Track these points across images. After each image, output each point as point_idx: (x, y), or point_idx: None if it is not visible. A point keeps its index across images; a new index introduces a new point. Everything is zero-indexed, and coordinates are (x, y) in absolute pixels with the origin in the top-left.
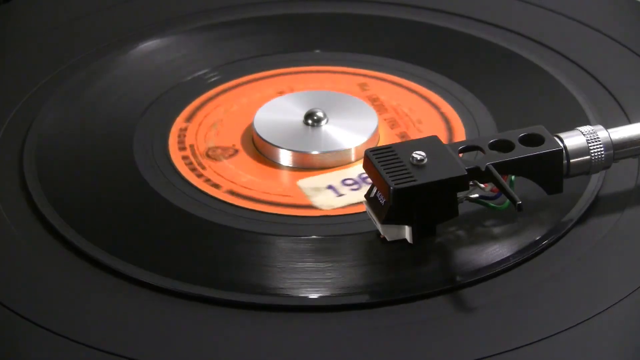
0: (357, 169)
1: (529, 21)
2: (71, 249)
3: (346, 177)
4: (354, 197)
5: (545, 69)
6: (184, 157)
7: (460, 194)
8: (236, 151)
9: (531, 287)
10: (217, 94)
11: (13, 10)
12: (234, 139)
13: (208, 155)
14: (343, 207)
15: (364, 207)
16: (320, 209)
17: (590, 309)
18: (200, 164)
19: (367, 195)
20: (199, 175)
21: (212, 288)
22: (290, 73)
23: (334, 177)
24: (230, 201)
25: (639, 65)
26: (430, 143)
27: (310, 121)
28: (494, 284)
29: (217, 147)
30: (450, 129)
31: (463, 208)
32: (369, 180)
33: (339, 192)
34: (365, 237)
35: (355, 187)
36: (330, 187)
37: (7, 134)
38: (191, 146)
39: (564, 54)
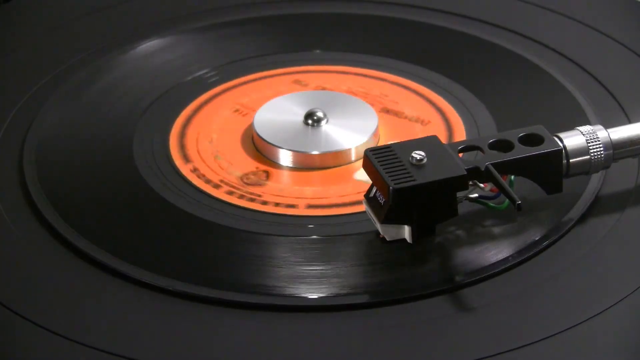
0: None
1: (529, 21)
2: (71, 249)
3: None
4: None
5: (545, 69)
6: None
7: (459, 194)
8: (265, 172)
9: (531, 287)
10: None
11: (13, 10)
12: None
13: (246, 183)
14: None
15: (363, 207)
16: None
17: (590, 309)
18: (248, 192)
19: (366, 195)
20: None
21: (212, 288)
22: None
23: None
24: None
25: (639, 65)
26: (429, 143)
27: (310, 121)
28: (494, 284)
29: (246, 174)
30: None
31: (463, 208)
32: None
33: None
34: (365, 237)
35: None
36: None
37: (7, 134)
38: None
39: (564, 54)
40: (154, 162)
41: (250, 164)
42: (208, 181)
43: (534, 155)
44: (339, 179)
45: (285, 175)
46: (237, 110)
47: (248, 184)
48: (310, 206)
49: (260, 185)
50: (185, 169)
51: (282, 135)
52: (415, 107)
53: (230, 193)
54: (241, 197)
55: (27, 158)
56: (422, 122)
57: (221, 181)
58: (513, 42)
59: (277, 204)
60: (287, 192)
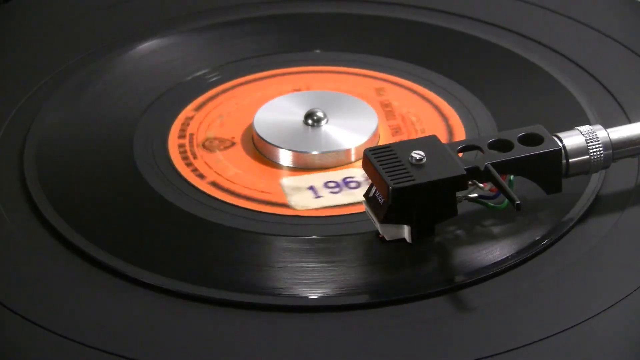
0: (340, 173)
1: (529, 21)
2: (71, 249)
3: (329, 180)
4: (332, 200)
5: (545, 69)
6: (180, 146)
7: (459, 194)
8: (233, 144)
9: (531, 287)
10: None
11: (13, 10)
12: (236, 132)
13: (204, 146)
14: (316, 209)
15: (363, 207)
16: (294, 209)
17: (590, 309)
18: (193, 153)
19: (366, 195)
20: (189, 164)
21: (212, 288)
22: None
23: (318, 178)
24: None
25: (639, 65)
26: (429, 142)
27: (310, 121)
28: (494, 284)
29: (215, 138)
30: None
31: (462, 208)
32: (352, 184)
33: (317, 194)
34: (365, 237)
35: (336, 190)
36: (311, 187)
37: (7, 134)
38: (191, 135)
39: (564, 54)
40: (154, 162)
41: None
42: (206, 179)
43: (534, 155)
44: (258, 171)
45: (234, 156)
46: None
47: (204, 147)
48: (214, 184)
49: (211, 151)
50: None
51: (282, 135)
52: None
53: (184, 158)
54: (184, 153)
55: (27, 158)
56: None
57: (190, 135)
58: (513, 42)
59: (197, 173)
60: (217, 166)
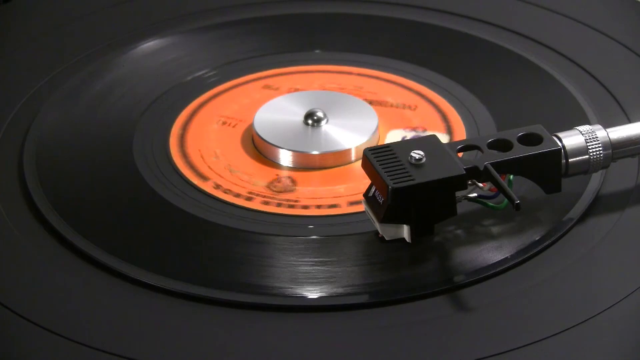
0: None
1: (529, 21)
2: (71, 249)
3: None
4: None
5: (545, 69)
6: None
7: (458, 194)
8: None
9: (531, 287)
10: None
11: (13, 10)
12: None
13: (275, 191)
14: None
15: (363, 207)
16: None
17: (590, 309)
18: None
19: (365, 195)
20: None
21: (212, 288)
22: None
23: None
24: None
25: (639, 65)
26: (428, 142)
27: (310, 121)
28: (494, 284)
29: (272, 182)
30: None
31: (462, 207)
32: None
33: None
34: (365, 237)
35: None
36: None
37: (7, 134)
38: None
39: (564, 54)
40: (154, 162)
41: (268, 172)
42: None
43: (533, 155)
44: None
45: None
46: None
47: (278, 192)
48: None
49: (291, 191)
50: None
51: (282, 135)
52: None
53: (226, 192)
54: (237, 196)
55: (27, 158)
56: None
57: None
58: (513, 42)
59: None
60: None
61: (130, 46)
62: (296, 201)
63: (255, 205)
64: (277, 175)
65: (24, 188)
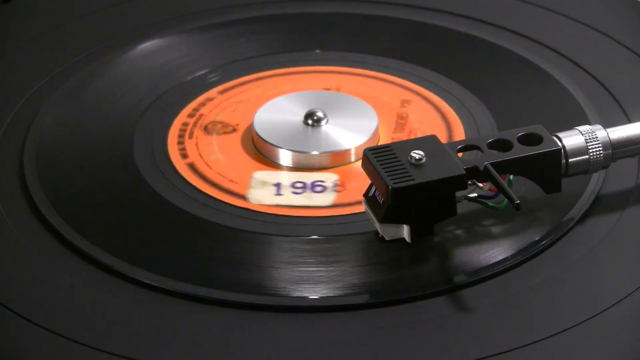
0: (312, 176)
1: (529, 21)
2: (71, 249)
3: (299, 180)
4: (288, 200)
5: (545, 69)
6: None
7: (458, 194)
8: (234, 130)
9: (531, 287)
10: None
11: (13, 10)
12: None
13: (205, 129)
14: (269, 206)
15: (363, 207)
16: (249, 202)
17: (590, 309)
18: (191, 133)
19: (365, 195)
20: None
21: (212, 288)
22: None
23: (289, 177)
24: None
25: (639, 65)
26: (428, 142)
27: (310, 121)
28: (494, 284)
29: (218, 122)
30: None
31: (462, 207)
32: (318, 188)
33: (279, 192)
34: (365, 237)
35: (299, 191)
36: (277, 184)
37: (7, 134)
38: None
39: (564, 54)
40: (154, 162)
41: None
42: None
43: (533, 155)
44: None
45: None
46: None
47: (205, 130)
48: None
49: (209, 134)
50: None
51: (282, 135)
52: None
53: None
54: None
55: (27, 158)
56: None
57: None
58: (513, 42)
59: (187, 161)
60: (204, 150)
61: (130, 46)
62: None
63: (217, 193)
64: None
65: (24, 188)
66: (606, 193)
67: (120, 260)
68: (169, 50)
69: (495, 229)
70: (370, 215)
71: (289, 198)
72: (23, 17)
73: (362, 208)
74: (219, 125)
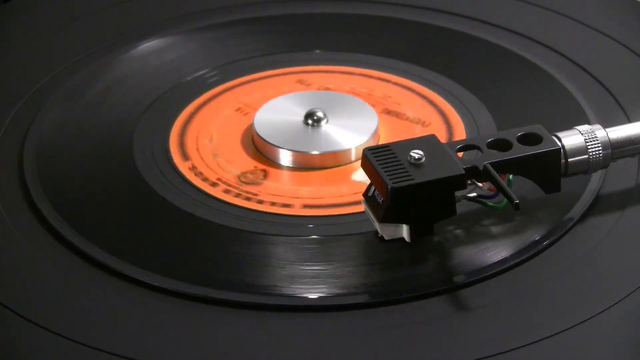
0: None
1: (529, 21)
2: (71, 249)
3: None
4: None
5: (545, 69)
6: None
7: (458, 193)
8: (263, 171)
9: (531, 287)
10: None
11: (13, 10)
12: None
13: (243, 182)
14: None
15: (362, 207)
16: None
17: (590, 309)
18: (244, 190)
19: (365, 194)
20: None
21: (212, 288)
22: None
23: None
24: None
25: (639, 65)
26: (428, 142)
27: (310, 121)
28: (494, 284)
29: (244, 173)
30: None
31: (461, 207)
32: None
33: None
34: (365, 237)
35: None
36: None
37: (7, 134)
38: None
39: (564, 54)
40: (154, 162)
41: (248, 163)
42: (205, 179)
43: (533, 155)
44: (338, 179)
45: (284, 175)
46: (238, 109)
47: (245, 183)
48: (307, 206)
49: (257, 184)
50: (185, 169)
51: (282, 135)
52: (415, 107)
53: (226, 192)
54: (237, 195)
55: (27, 158)
56: (423, 123)
57: (218, 179)
58: (513, 42)
59: (273, 204)
60: (284, 191)
61: (130, 46)
62: (255, 194)
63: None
64: (254, 167)
65: (24, 188)
66: (606, 193)
67: (120, 260)
68: (169, 50)
69: (495, 229)
70: (370, 215)
71: None
72: (23, 17)
73: (361, 208)
74: (249, 176)
